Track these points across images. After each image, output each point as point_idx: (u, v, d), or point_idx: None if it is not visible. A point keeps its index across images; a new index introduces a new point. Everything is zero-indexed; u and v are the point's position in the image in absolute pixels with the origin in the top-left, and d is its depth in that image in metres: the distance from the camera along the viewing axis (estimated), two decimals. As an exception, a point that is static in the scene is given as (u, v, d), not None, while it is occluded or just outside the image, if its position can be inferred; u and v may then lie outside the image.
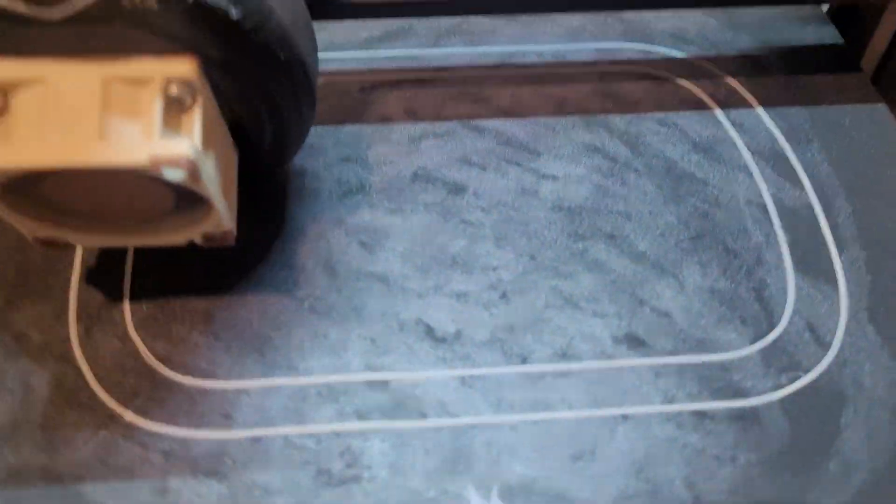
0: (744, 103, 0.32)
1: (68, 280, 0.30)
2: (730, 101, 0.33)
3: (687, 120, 0.32)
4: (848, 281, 0.28)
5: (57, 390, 0.27)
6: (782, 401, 0.26)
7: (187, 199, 0.24)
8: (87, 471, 0.25)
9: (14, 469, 0.26)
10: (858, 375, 0.26)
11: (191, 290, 0.29)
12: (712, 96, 0.33)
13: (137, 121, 0.23)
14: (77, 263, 0.31)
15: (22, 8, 0.21)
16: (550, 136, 0.32)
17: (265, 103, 0.25)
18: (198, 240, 0.26)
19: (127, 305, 0.29)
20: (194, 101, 0.23)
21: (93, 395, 0.27)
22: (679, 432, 0.25)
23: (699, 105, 0.32)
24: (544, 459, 0.25)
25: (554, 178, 0.31)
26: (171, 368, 0.27)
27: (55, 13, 0.21)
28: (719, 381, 0.26)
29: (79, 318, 0.29)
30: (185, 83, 0.23)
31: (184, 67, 0.23)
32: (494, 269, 0.29)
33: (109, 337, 0.28)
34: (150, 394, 0.27)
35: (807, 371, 0.27)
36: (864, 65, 0.37)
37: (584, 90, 0.33)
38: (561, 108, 0.32)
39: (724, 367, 0.27)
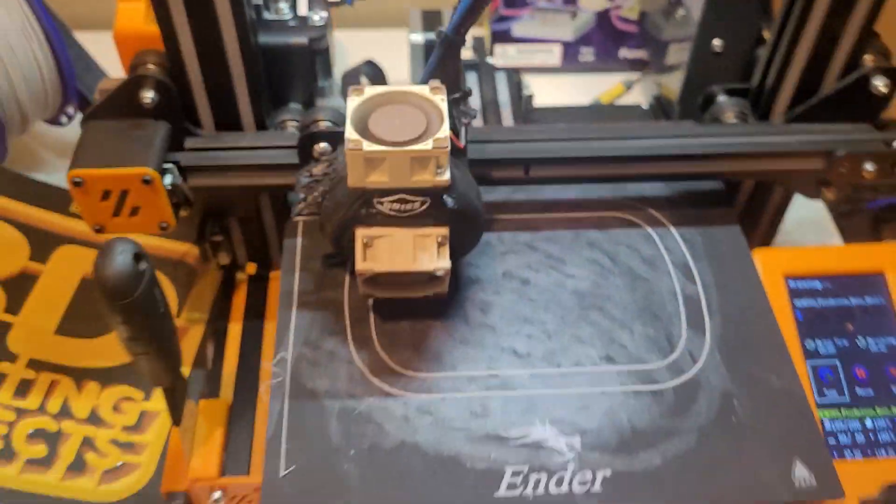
0: (664, 224, 0.52)
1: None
2: (658, 224, 0.52)
3: (638, 243, 0.51)
4: (711, 332, 0.47)
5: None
6: (675, 387, 0.45)
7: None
8: None
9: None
10: (709, 376, 0.45)
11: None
12: (651, 223, 0.52)
13: (428, 252, 0.42)
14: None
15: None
16: (570, 253, 0.50)
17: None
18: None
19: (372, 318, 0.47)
20: (443, 244, 0.42)
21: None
22: (627, 397, 0.44)
23: (645, 231, 0.52)
24: (567, 408, 0.44)
25: (572, 276, 0.49)
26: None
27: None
28: (648, 377, 0.45)
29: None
30: (444, 236, 0.42)
31: (444, 230, 0.41)
32: (542, 321, 0.47)
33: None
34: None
35: (686, 374, 0.45)
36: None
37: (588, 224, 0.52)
38: (577, 237, 0.51)
39: (649, 372, 0.45)
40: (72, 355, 0.55)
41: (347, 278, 0.48)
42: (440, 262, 0.42)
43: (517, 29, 0.79)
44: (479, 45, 0.75)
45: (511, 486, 0.41)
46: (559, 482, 0.41)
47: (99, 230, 0.46)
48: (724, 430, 0.43)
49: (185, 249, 0.62)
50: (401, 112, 0.41)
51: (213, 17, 0.43)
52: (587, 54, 0.81)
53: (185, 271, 0.61)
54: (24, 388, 0.53)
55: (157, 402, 0.54)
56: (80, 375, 0.54)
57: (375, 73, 0.68)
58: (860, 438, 0.47)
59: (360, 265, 0.42)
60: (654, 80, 0.75)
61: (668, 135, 0.50)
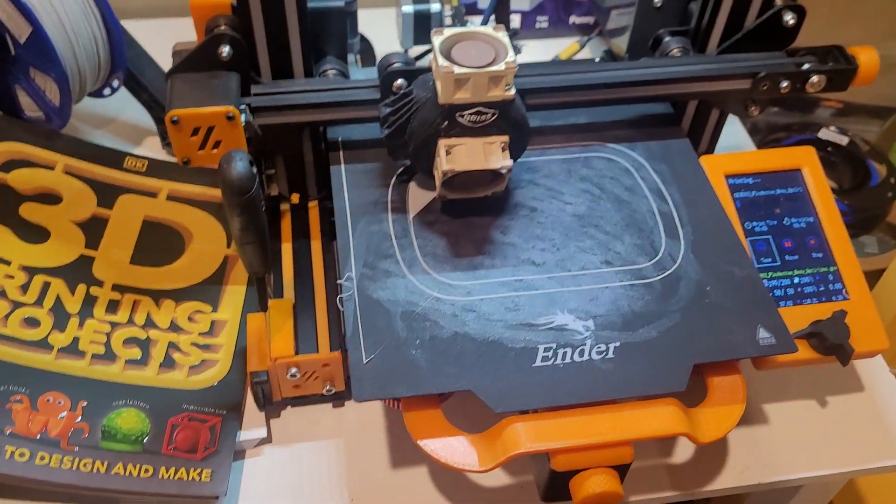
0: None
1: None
2: (632, 161, 0.65)
3: (620, 175, 0.64)
4: (685, 239, 0.59)
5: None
6: (660, 279, 0.57)
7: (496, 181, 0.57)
8: None
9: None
10: (686, 271, 0.58)
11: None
12: (626, 160, 0.65)
13: (495, 154, 0.54)
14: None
15: None
16: (566, 185, 0.63)
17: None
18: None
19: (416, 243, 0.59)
20: (505, 148, 0.55)
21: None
22: (625, 289, 0.56)
23: (625, 168, 0.64)
24: (580, 300, 0.56)
25: (570, 203, 0.62)
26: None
27: None
28: (640, 274, 0.57)
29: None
30: (506, 142, 0.55)
31: (505, 137, 0.55)
32: (551, 238, 0.59)
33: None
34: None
35: (668, 270, 0.58)
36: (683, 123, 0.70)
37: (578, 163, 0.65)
38: (570, 174, 0.64)
39: (640, 269, 0.58)
40: (146, 280, 0.66)
41: (390, 208, 0.60)
42: (504, 162, 0.55)
43: (482, 1, 0.92)
44: (457, 13, 0.87)
45: (545, 359, 0.53)
46: (581, 353, 0.53)
47: (186, 162, 0.57)
48: (701, 309, 0.56)
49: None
50: (474, 45, 0.53)
51: (278, -16, 0.55)
52: (542, 22, 0.94)
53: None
54: (113, 307, 0.63)
55: (224, 312, 0.65)
56: (156, 295, 0.65)
57: (364, 46, 0.81)
58: (790, 291, 0.61)
59: (444, 166, 0.54)
60: (605, 39, 0.88)
61: (628, 67, 0.63)
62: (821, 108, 1.15)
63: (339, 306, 0.55)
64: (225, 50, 0.56)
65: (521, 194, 0.62)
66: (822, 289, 0.61)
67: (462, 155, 0.54)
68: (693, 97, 0.66)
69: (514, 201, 0.62)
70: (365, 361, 0.52)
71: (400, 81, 0.57)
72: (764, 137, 1.08)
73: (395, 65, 0.57)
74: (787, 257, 0.62)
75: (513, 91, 0.53)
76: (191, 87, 0.56)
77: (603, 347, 0.53)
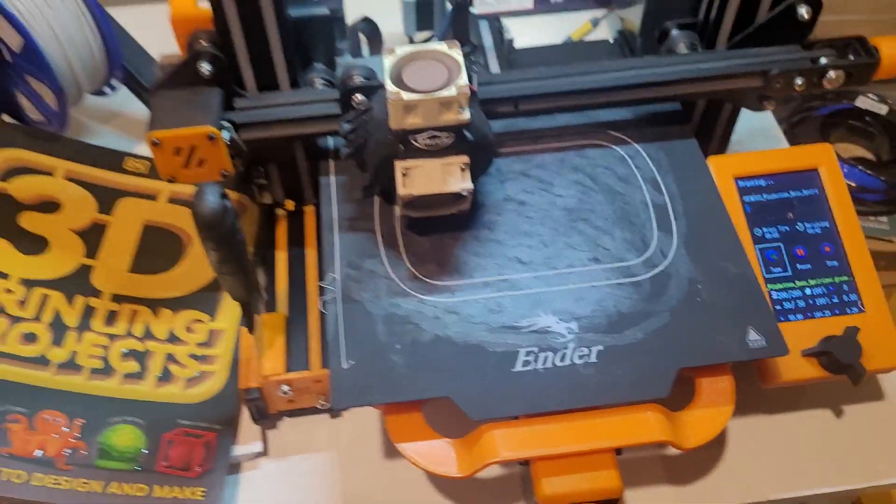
0: (633, 141, 0.62)
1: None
2: (626, 142, 0.62)
3: (613, 164, 0.61)
4: (678, 233, 0.57)
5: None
6: (650, 277, 0.55)
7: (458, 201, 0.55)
8: None
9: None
10: (677, 268, 0.55)
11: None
12: (622, 141, 0.63)
13: (454, 176, 0.52)
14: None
15: None
16: (557, 177, 0.61)
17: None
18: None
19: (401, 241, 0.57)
20: (465, 169, 0.53)
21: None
22: (612, 289, 0.55)
23: (620, 156, 0.62)
24: (565, 300, 0.55)
25: (561, 196, 0.60)
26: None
27: None
28: (628, 272, 0.55)
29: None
30: (466, 163, 0.52)
31: (465, 158, 0.52)
32: (539, 234, 0.57)
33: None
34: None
35: (658, 267, 0.56)
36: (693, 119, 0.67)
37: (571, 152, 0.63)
38: (562, 164, 0.62)
39: (629, 267, 0.56)
40: (145, 289, 0.65)
41: (377, 209, 0.59)
42: (464, 184, 0.53)
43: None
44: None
45: (525, 363, 0.52)
46: (563, 357, 0.52)
47: (171, 180, 0.55)
48: (691, 308, 0.54)
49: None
50: (427, 66, 0.51)
51: (255, -2, 0.53)
52: (558, -4, 0.90)
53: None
54: (111, 318, 0.63)
55: (222, 321, 0.65)
56: (154, 304, 0.65)
57: (372, 29, 0.78)
58: (801, 304, 0.58)
59: (402, 190, 0.52)
60: (618, 15, 0.84)
61: (632, 67, 0.59)
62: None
63: (322, 309, 0.55)
64: (205, 67, 0.54)
65: (511, 186, 0.60)
66: (835, 300, 0.58)
67: (420, 178, 0.52)
68: (701, 97, 0.63)
69: (504, 194, 0.60)
70: (345, 367, 0.52)
71: (360, 97, 0.55)
72: (797, 108, 1.03)
73: (355, 79, 0.55)
74: (798, 266, 0.59)
75: (466, 115, 0.50)
76: (172, 107, 0.54)
77: (585, 351, 0.52)
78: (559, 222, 0.58)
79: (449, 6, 0.74)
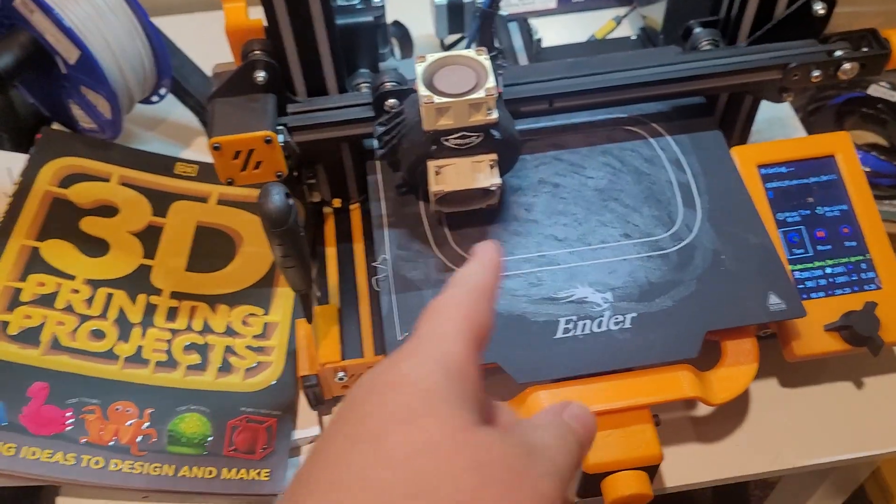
0: (661, 134, 0.66)
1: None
2: (656, 135, 0.66)
3: (639, 147, 0.65)
4: (701, 208, 0.61)
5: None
6: (677, 249, 0.59)
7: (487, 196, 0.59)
8: None
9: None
10: (702, 240, 0.60)
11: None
12: (650, 134, 0.66)
13: (484, 173, 0.57)
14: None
15: None
16: (588, 160, 0.65)
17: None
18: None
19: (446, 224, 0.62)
20: (494, 166, 0.57)
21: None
22: (643, 261, 0.59)
23: (645, 139, 0.66)
24: (599, 273, 0.59)
25: (592, 177, 0.64)
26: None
27: None
28: (656, 245, 0.59)
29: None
30: (494, 160, 0.57)
31: (493, 156, 0.57)
32: (573, 213, 0.62)
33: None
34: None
35: (684, 240, 0.60)
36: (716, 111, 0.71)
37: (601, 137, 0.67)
38: (592, 149, 0.66)
39: (657, 241, 0.60)
40: (202, 286, 0.69)
41: (422, 200, 0.63)
42: (493, 180, 0.57)
43: (516, -20, 0.92)
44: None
45: (566, 331, 0.56)
46: (599, 324, 0.56)
47: (230, 182, 0.59)
48: (716, 277, 0.58)
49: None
50: (456, 71, 0.55)
51: (306, 9, 0.56)
52: (579, -5, 0.94)
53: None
54: (172, 314, 0.67)
55: (275, 314, 0.69)
56: (212, 300, 0.69)
57: (403, 33, 0.82)
58: (822, 283, 0.62)
59: (434, 187, 0.56)
60: (640, 13, 0.88)
61: (657, 63, 0.63)
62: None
63: (375, 286, 0.59)
64: (260, 75, 0.58)
65: (545, 170, 0.65)
66: (854, 278, 0.62)
67: (451, 175, 0.56)
68: (724, 90, 0.67)
69: (538, 177, 0.64)
70: (400, 338, 0.56)
71: (392, 101, 0.58)
72: (813, 97, 1.06)
73: (387, 84, 0.58)
74: (819, 248, 0.62)
75: (495, 115, 0.54)
76: (230, 113, 0.58)
77: (620, 318, 0.57)
78: (591, 202, 0.63)
79: (480, 5, 0.79)
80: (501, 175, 0.58)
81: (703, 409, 0.64)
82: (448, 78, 0.54)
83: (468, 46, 0.58)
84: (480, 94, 0.53)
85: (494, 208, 0.61)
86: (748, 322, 0.57)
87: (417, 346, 0.34)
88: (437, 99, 0.53)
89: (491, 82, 0.54)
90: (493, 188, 0.57)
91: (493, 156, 0.57)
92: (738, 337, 0.57)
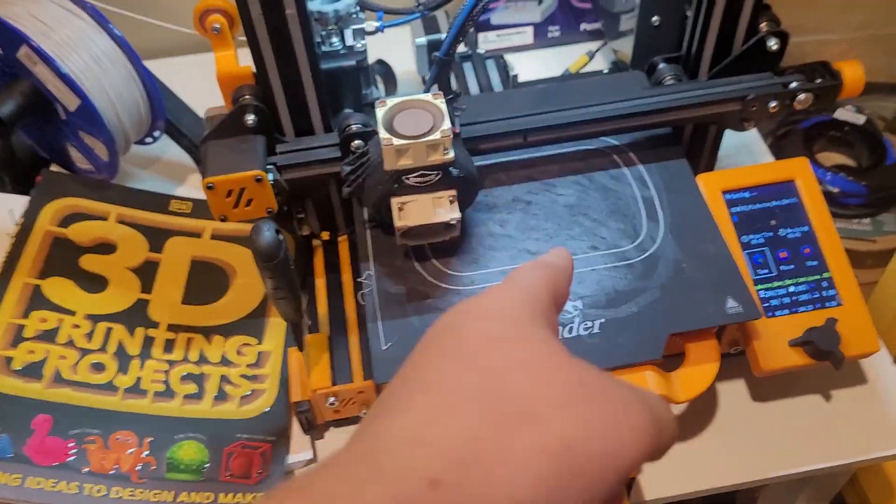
0: (633, 163, 0.70)
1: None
2: (629, 163, 0.70)
3: (607, 166, 0.70)
4: (664, 222, 0.65)
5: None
6: (641, 259, 0.63)
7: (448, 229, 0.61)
8: None
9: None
10: (665, 251, 0.64)
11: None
12: (623, 163, 0.71)
13: (444, 208, 0.59)
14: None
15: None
16: (559, 179, 0.69)
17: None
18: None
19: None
20: (453, 201, 0.60)
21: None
22: (609, 271, 0.63)
23: (613, 160, 0.71)
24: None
25: (562, 195, 0.68)
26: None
27: None
28: (623, 256, 0.64)
29: None
30: (453, 195, 0.60)
31: (453, 191, 0.60)
32: (545, 228, 0.65)
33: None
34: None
35: (648, 251, 0.64)
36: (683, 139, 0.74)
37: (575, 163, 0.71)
38: (563, 169, 0.70)
39: (623, 252, 0.64)
40: (197, 318, 0.72)
41: None
42: (453, 214, 0.60)
43: (494, 18, 0.96)
44: (470, 38, 0.92)
45: None
46: (570, 330, 0.61)
47: (223, 219, 0.63)
48: (678, 284, 0.62)
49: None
50: (414, 114, 0.58)
51: (293, 56, 0.60)
52: (554, 31, 0.98)
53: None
54: (169, 346, 0.70)
55: (268, 344, 0.72)
56: (207, 332, 0.72)
57: (386, 71, 0.86)
58: (786, 300, 0.65)
59: (398, 223, 0.60)
60: (611, 48, 0.92)
61: (623, 97, 0.67)
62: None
63: (360, 301, 0.62)
64: (250, 118, 0.61)
65: (518, 189, 0.69)
66: (816, 296, 0.65)
67: (413, 211, 0.60)
68: (688, 122, 0.70)
69: (512, 196, 0.69)
70: (384, 348, 0.60)
71: (357, 142, 0.62)
72: (783, 121, 1.10)
73: (353, 126, 0.62)
74: (782, 267, 0.66)
75: (451, 154, 0.57)
76: (222, 154, 0.62)
77: (590, 324, 0.61)
78: (562, 217, 0.67)
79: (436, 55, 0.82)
80: (462, 209, 0.61)
81: (680, 423, 0.67)
82: (407, 121, 0.58)
83: (427, 90, 0.62)
84: (436, 135, 0.57)
85: (457, 241, 0.64)
86: (708, 324, 0.61)
87: (510, 285, 0.37)
88: (397, 141, 0.56)
89: (447, 124, 0.57)
90: (453, 222, 0.60)
91: (453, 192, 0.60)
92: (699, 339, 0.62)
